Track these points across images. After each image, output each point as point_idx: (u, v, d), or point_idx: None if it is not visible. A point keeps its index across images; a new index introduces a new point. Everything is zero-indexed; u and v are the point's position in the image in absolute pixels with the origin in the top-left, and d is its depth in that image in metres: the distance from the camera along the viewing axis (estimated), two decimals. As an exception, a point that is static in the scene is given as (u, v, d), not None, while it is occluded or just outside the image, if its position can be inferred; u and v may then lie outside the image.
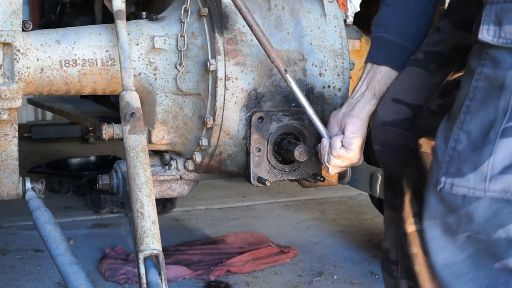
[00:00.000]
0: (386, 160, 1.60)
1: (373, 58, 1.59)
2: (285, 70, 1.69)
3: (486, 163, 1.19)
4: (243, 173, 1.86)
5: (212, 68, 1.76)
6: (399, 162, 1.54)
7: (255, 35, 1.68)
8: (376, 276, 2.69)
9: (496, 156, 1.18)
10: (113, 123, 1.92)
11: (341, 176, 2.11)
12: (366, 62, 1.61)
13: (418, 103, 1.51)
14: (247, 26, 1.70)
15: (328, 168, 1.65)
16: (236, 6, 1.67)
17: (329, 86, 1.88)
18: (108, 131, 1.91)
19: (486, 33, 1.18)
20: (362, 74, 1.60)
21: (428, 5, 1.56)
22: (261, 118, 1.79)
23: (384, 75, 1.56)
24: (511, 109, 1.17)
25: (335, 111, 1.65)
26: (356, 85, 1.63)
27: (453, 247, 1.27)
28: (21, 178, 1.87)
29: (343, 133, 1.59)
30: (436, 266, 1.29)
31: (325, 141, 1.63)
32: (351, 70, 1.91)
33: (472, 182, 1.21)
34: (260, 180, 1.80)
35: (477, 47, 1.22)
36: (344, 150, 1.58)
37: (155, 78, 1.83)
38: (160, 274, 1.25)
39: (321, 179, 1.86)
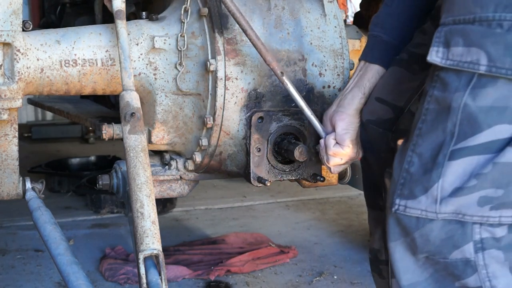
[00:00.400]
0: (369, 159, 1.60)
1: (367, 56, 1.59)
2: (282, 73, 1.69)
3: (435, 185, 1.20)
4: (243, 173, 1.86)
5: (212, 68, 1.76)
6: (381, 162, 1.54)
7: (249, 39, 1.68)
8: (376, 276, 2.69)
9: (446, 179, 1.19)
10: (113, 123, 1.92)
11: (341, 176, 2.11)
12: (360, 60, 1.61)
13: (399, 104, 1.51)
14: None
15: (330, 168, 1.64)
16: (229, 11, 1.67)
17: (329, 86, 1.88)
18: (108, 131, 1.91)
19: (435, 55, 1.19)
20: (354, 72, 1.60)
21: (426, 8, 1.56)
22: (261, 118, 1.79)
23: (374, 73, 1.56)
24: (458, 131, 1.17)
25: (327, 110, 1.64)
26: (348, 82, 1.63)
27: (415, 266, 1.28)
28: (21, 178, 1.87)
29: (335, 130, 1.60)
30: (401, 287, 1.30)
31: (322, 142, 1.63)
32: (351, 70, 1.91)
33: (424, 204, 1.22)
34: (260, 180, 1.80)
35: (431, 69, 1.23)
36: (338, 147, 1.58)
37: (155, 78, 1.83)
38: (160, 274, 1.25)
39: (321, 179, 1.86)
